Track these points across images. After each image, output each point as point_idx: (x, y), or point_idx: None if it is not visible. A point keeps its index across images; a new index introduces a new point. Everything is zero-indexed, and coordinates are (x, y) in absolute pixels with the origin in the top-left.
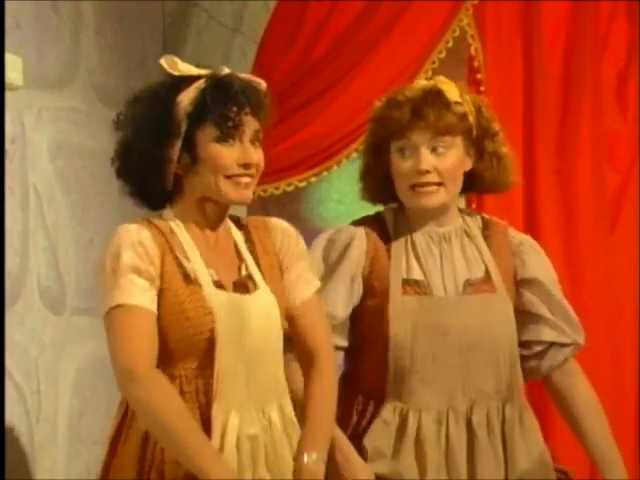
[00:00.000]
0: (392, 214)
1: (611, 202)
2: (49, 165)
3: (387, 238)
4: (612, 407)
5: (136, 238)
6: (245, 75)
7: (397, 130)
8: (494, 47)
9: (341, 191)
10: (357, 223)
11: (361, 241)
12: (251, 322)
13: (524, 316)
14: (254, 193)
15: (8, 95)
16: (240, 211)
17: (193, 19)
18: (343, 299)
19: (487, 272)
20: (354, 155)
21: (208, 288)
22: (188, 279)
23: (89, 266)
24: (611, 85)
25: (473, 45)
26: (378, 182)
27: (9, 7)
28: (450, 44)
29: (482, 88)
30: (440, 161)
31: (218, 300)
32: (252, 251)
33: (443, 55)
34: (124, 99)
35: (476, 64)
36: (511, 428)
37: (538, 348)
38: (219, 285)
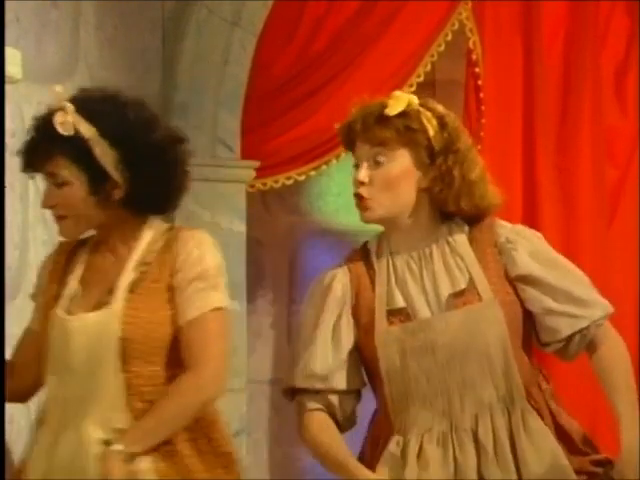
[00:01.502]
0: (377, 240)
1: (609, 197)
2: None
3: (370, 269)
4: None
5: None
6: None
7: (349, 142)
8: (493, 41)
9: (341, 184)
10: (344, 258)
11: (344, 277)
12: (73, 342)
13: (534, 316)
14: (253, 187)
15: (7, 88)
16: (240, 206)
17: (193, 13)
18: (332, 343)
19: (471, 280)
20: None
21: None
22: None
23: None
24: (610, 81)
25: (472, 39)
26: None
27: (8, 1)
28: (449, 37)
29: (480, 82)
30: (377, 174)
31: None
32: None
33: (442, 48)
34: (123, 93)
35: (474, 57)
36: (517, 434)
37: (560, 344)
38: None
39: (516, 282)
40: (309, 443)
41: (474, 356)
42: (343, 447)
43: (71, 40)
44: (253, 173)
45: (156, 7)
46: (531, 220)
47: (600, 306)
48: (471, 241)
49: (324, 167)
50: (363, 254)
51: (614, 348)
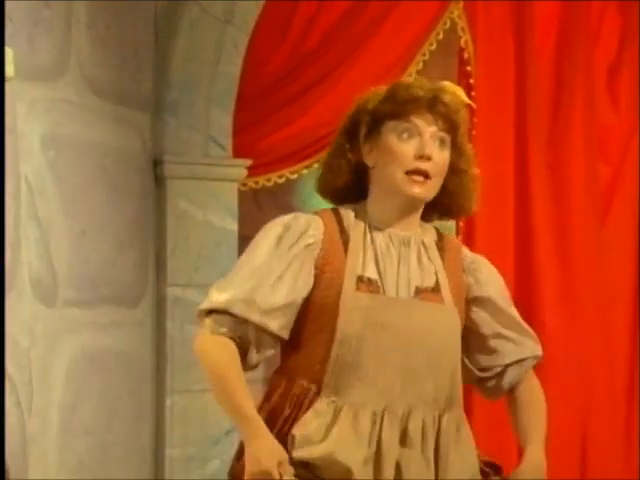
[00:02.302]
0: (352, 210)
1: (602, 194)
2: (41, 156)
3: (344, 233)
4: (604, 400)
5: None
6: None
7: (406, 110)
8: (485, 40)
9: None
10: (315, 213)
11: (317, 230)
12: None
13: (480, 339)
14: (245, 185)
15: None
16: (232, 204)
17: (185, 12)
18: (287, 285)
19: (437, 284)
20: None
21: None
22: None
23: (81, 258)
24: (602, 79)
25: (463, 37)
26: (343, 170)
27: None
28: (441, 36)
29: (471, 80)
30: (439, 155)
31: None
32: None
33: (434, 47)
34: (116, 91)
35: (466, 56)
36: (446, 440)
37: (497, 370)
38: None
39: (472, 304)
40: (210, 365)
41: (427, 350)
42: (244, 390)
43: (63, 38)
44: (245, 171)
45: (148, 5)
46: (523, 218)
47: (538, 344)
48: (440, 250)
49: (316, 165)
50: (336, 215)
51: (537, 390)
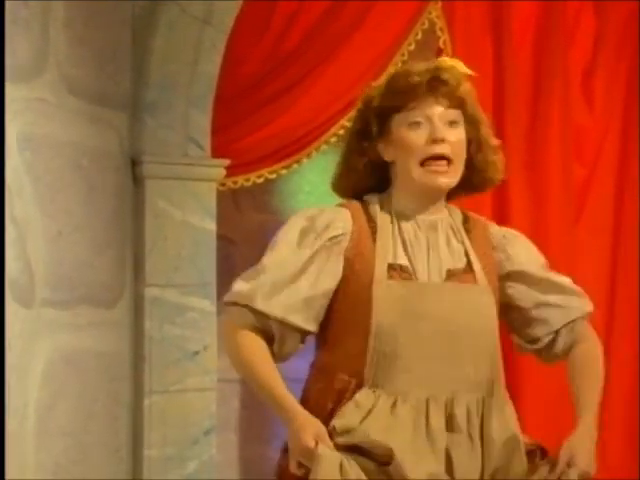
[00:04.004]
0: (377, 200)
1: (577, 195)
2: (17, 156)
3: (372, 222)
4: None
5: None
6: None
7: (407, 100)
8: (463, 40)
9: (312, 183)
10: (340, 205)
11: (346, 221)
12: None
13: (522, 313)
14: (224, 185)
15: None
16: (211, 204)
17: (163, 11)
18: (311, 278)
19: (469, 264)
20: (324, 147)
21: None
22: None
23: (58, 258)
24: (578, 80)
25: (442, 38)
26: (360, 170)
27: None
28: (419, 36)
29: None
30: (453, 134)
31: None
32: None
33: (413, 47)
34: (94, 91)
35: (444, 56)
36: (489, 422)
37: (549, 337)
38: None
39: (506, 279)
40: (238, 355)
41: (465, 333)
42: (273, 373)
43: (41, 38)
44: (224, 171)
45: (126, 5)
46: (500, 217)
47: (587, 300)
48: (467, 231)
49: (295, 165)
50: (363, 205)
51: (592, 352)
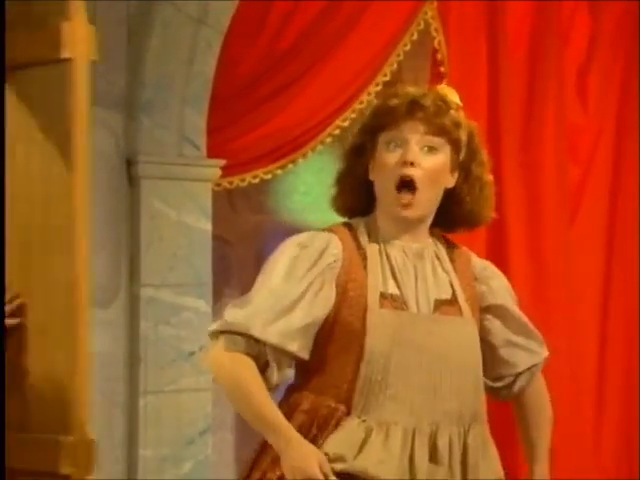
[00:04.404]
0: (364, 224)
1: (572, 194)
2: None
3: (361, 248)
4: (571, 396)
5: None
6: None
7: (390, 121)
8: (457, 41)
9: (307, 183)
10: (329, 230)
11: (337, 249)
12: None
13: (492, 349)
14: (219, 185)
15: None
16: (206, 204)
17: (159, 11)
18: (306, 306)
19: (454, 295)
20: (320, 147)
21: None
22: None
23: None
24: (572, 79)
25: (437, 38)
26: (355, 188)
27: None
28: (415, 37)
29: (445, 81)
30: (427, 159)
31: None
32: None
33: (408, 48)
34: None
35: (439, 57)
36: (474, 455)
37: (510, 378)
38: None
39: (485, 312)
40: (229, 379)
41: (451, 366)
42: (268, 400)
43: None
44: (219, 171)
45: (121, 4)
46: (495, 218)
47: (545, 346)
48: (451, 261)
49: (291, 166)
50: (350, 231)
51: (543, 393)
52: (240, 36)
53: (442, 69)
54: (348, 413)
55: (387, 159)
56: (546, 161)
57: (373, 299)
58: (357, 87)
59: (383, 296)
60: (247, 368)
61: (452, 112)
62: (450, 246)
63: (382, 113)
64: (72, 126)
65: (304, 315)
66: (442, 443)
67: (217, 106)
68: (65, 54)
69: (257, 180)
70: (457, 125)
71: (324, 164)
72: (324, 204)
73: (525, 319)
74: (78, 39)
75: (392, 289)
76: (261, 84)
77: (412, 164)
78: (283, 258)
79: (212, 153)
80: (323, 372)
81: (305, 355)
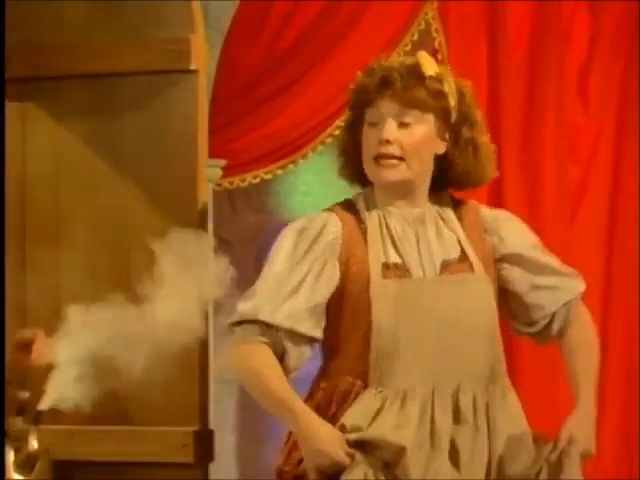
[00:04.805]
0: (363, 198)
1: (572, 194)
2: None
3: (361, 222)
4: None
5: None
6: None
7: (367, 99)
8: (458, 41)
9: (308, 183)
10: (328, 210)
11: (335, 226)
12: None
13: (518, 297)
14: (220, 185)
15: None
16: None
17: None
18: (310, 287)
19: (463, 252)
20: (320, 148)
21: None
22: None
23: None
24: (573, 79)
25: (437, 39)
26: (353, 160)
27: None
28: (415, 37)
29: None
30: (404, 135)
31: None
32: None
33: (409, 48)
34: None
35: (440, 57)
36: (494, 409)
37: (545, 320)
38: None
39: (501, 262)
40: (246, 368)
41: (464, 325)
42: (286, 384)
43: None
44: (220, 172)
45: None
46: None
47: (580, 280)
48: (459, 219)
49: (291, 166)
50: (350, 208)
51: (586, 330)
52: (240, 36)
53: None
54: (366, 387)
55: (367, 136)
56: (546, 161)
57: (375, 271)
58: None
59: (386, 266)
60: (260, 353)
61: (428, 82)
62: (457, 204)
63: (359, 92)
64: (198, 134)
65: (309, 295)
66: (464, 403)
67: (218, 106)
68: (193, 65)
69: (258, 180)
70: (437, 94)
71: (325, 164)
72: (325, 204)
73: (546, 259)
74: (201, 51)
75: (394, 258)
76: (261, 84)
77: (388, 141)
78: (284, 243)
79: (213, 153)
80: (339, 349)
81: (318, 334)
